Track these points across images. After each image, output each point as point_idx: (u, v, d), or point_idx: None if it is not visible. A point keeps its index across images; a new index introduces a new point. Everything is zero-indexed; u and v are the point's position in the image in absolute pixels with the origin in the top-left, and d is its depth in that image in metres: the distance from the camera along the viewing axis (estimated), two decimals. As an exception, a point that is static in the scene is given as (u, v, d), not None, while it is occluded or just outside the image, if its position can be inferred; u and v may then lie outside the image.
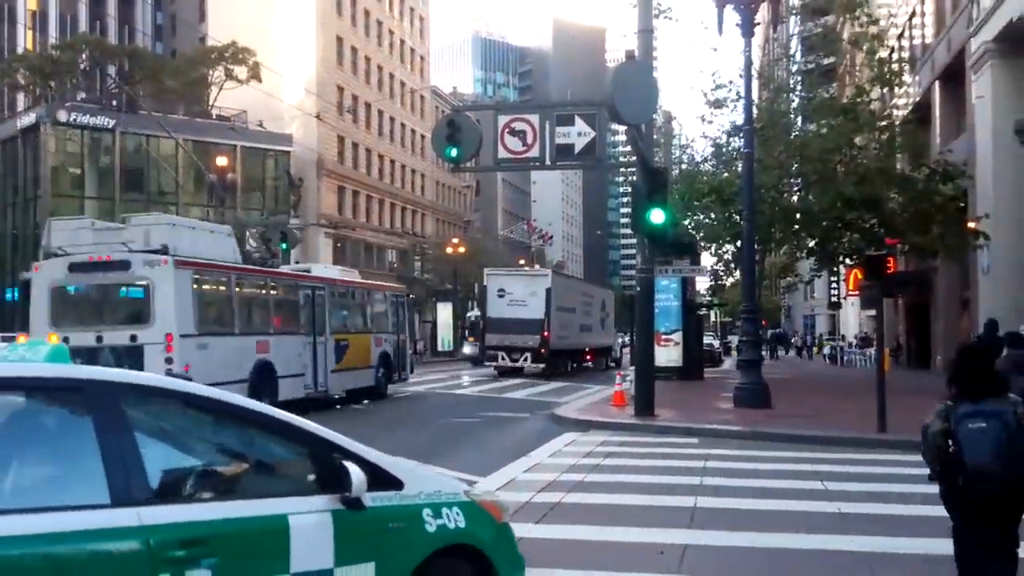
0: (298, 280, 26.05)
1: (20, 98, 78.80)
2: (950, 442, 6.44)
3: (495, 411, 24.28)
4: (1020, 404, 6.40)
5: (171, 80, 70.21)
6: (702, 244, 33.49)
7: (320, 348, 25.26)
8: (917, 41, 41.85)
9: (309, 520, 4.78)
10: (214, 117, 70.95)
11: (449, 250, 79.53)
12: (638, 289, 21.60)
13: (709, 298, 47.46)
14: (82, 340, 18.73)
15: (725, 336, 77.87)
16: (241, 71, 67.82)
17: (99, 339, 19.42)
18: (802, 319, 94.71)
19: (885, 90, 34.90)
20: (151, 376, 5.26)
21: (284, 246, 46.06)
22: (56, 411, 4.53)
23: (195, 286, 20.42)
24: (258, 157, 71.94)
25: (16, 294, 64.82)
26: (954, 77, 35.46)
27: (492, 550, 5.65)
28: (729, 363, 52.68)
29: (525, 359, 38.96)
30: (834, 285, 59.46)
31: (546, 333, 38.40)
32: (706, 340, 47.65)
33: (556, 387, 33.41)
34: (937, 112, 37.87)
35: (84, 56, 71.04)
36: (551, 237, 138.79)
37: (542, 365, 39.13)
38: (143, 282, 19.72)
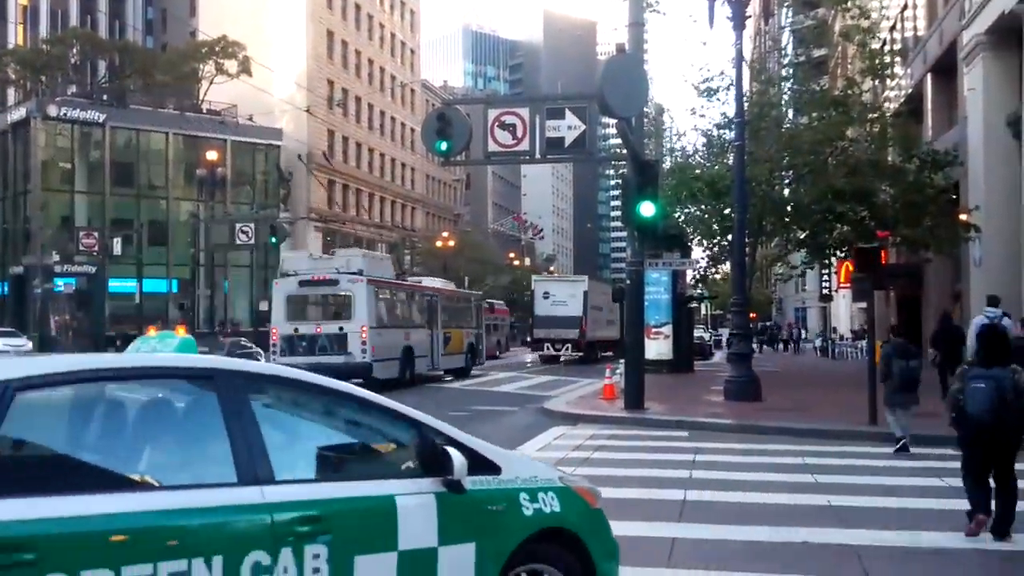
0: (422, 290, 36.48)
1: (11, 93, 78.47)
2: (961, 396, 8.98)
3: (485, 405, 24.25)
4: (1020, 371, 8.77)
5: (161, 74, 70.00)
6: (691, 237, 33.45)
7: (435, 338, 34.80)
8: (909, 33, 41.80)
9: (414, 501, 5.10)
10: (204, 111, 70.78)
11: (439, 244, 79.41)
12: (628, 282, 21.57)
13: (699, 291, 47.52)
14: (307, 330, 29.56)
15: (716, 329, 77.75)
16: (231, 65, 67.67)
17: (318, 329, 29.43)
18: (793, 311, 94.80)
19: (876, 82, 34.84)
20: (270, 365, 6.14)
21: (274, 240, 46.03)
22: (189, 397, 4.98)
23: (375, 295, 30.31)
24: (248, 151, 71.83)
25: (6, 288, 64.66)
26: (946, 69, 35.43)
27: (586, 534, 5.93)
28: (719, 356, 52.72)
29: (566, 348, 46.87)
30: (825, 278, 59.49)
31: (584, 328, 46.22)
32: (696, 333, 47.73)
33: (546, 380, 33.37)
34: (929, 104, 37.85)
35: (75, 51, 70.80)
36: (541, 231, 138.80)
37: (580, 353, 46.48)
38: (347, 293, 29.52)
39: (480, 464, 5.50)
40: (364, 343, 28.48)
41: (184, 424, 4.99)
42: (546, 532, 5.71)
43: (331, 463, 5.26)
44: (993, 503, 8.88)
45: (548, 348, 47.24)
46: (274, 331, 29.92)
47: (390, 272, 34.24)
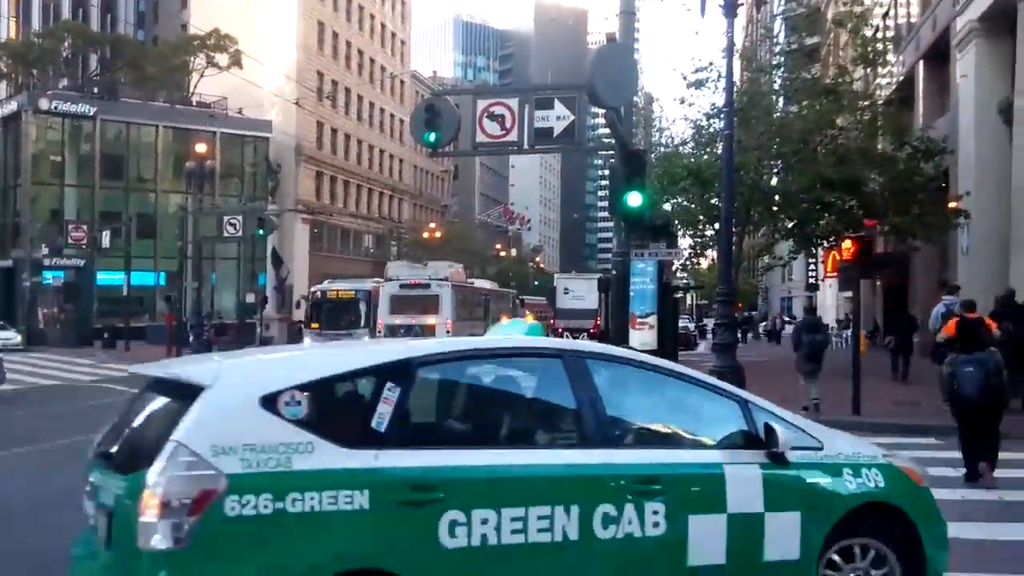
0: (479, 290, 46.99)
1: (2, 86, 78.27)
2: (953, 379, 11.34)
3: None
4: (997, 352, 11.40)
5: (152, 67, 69.97)
6: (678, 227, 33.43)
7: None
8: (902, 20, 41.86)
9: (741, 470, 5.82)
10: (194, 104, 70.68)
11: (426, 235, 79.41)
12: (614, 272, 21.58)
13: (685, 280, 47.61)
14: (404, 321, 36.65)
15: (701, 319, 77.62)
16: (222, 58, 67.60)
17: (413, 321, 36.48)
18: (779, 301, 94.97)
19: (868, 70, 34.85)
20: (610, 347, 7.08)
21: (261, 232, 45.96)
22: (543, 372, 6.01)
23: (455, 296, 38.89)
24: (237, 144, 71.73)
25: (-3, 280, 64.44)
26: (938, 56, 35.47)
27: (912, 509, 6.35)
28: (704, 346, 52.80)
29: (582, 338, 47.43)
30: (812, 267, 59.59)
31: (598, 320, 47.94)
32: (681, 323, 47.86)
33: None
34: (920, 91, 37.91)
35: (66, 44, 70.73)
36: (528, 221, 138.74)
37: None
38: (436, 294, 37.83)
39: (802, 440, 6.15)
40: (448, 332, 35.41)
41: (541, 394, 6.08)
42: (872, 506, 6.26)
43: (663, 432, 6.13)
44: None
45: (566, 336, 48.57)
46: (380, 322, 37.90)
47: (463, 279, 43.59)
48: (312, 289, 44.24)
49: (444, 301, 37.49)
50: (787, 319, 74.49)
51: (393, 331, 36.41)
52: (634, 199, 18.70)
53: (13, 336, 48.56)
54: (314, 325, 39.73)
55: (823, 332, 20.91)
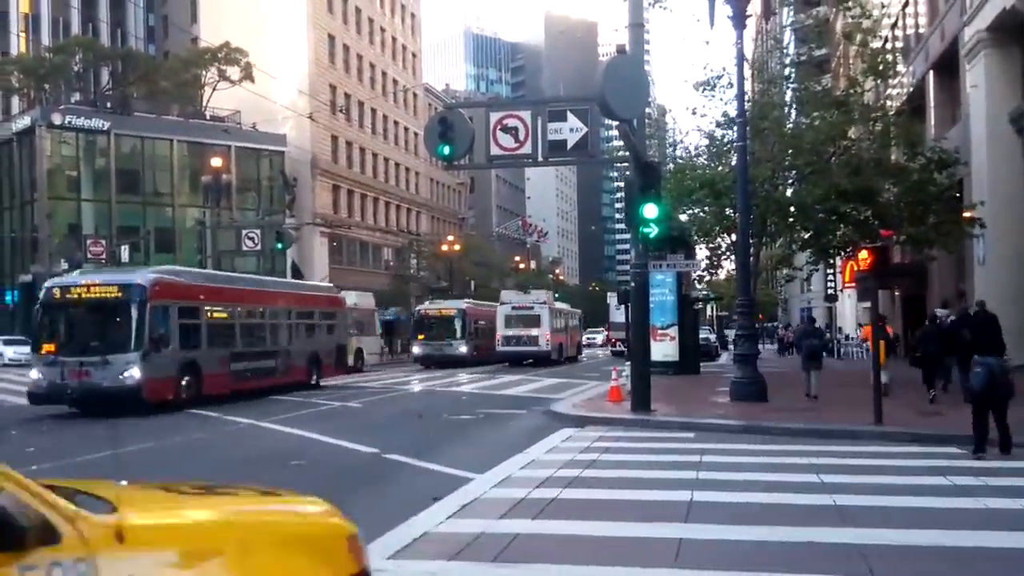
0: (562, 310, 58.79)
1: (14, 101, 78.72)
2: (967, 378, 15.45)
3: (492, 408, 24.29)
4: (1002, 360, 14.05)
5: (164, 81, 70.22)
6: (695, 238, 33.44)
7: (568, 338, 56.73)
8: (911, 31, 41.84)
9: None
10: (208, 118, 70.93)
11: (444, 247, 79.44)
12: (632, 284, 21.59)
13: (704, 292, 47.57)
14: (515, 333, 49.33)
15: (722, 330, 77.41)
16: (234, 72, 67.86)
17: (522, 333, 49.05)
18: (799, 312, 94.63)
19: (878, 81, 34.86)
20: None
21: (280, 246, 46.13)
22: None
23: (551, 314, 50.63)
24: (252, 157, 71.99)
25: (16, 297, 64.80)
26: (948, 66, 35.47)
27: None
28: (726, 357, 52.67)
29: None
30: (830, 277, 59.43)
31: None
32: (702, 334, 47.69)
33: (553, 383, 33.42)
34: (931, 102, 37.88)
35: (77, 59, 71.05)
36: (546, 233, 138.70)
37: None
38: (538, 314, 49.61)
39: None
40: (548, 341, 49.64)
41: None
42: None
43: None
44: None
45: (619, 345, 55.15)
46: (499, 335, 50.01)
47: (552, 302, 53.85)
48: (417, 308, 55.38)
49: (543, 318, 49.92)
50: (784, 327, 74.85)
51: (507, 340, 49.83)
52: (649, 211, 18.75)
53: (33, 351, 48.80)
54: (420, 336, 50.05)
55: (819, 336, 27.31)
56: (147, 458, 15.62)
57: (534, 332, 49.47)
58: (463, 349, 48.70)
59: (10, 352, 49.28)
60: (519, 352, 49.23)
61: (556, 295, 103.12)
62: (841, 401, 22.54)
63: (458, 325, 49.45)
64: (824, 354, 28.09)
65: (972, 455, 13.75)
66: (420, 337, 49.83)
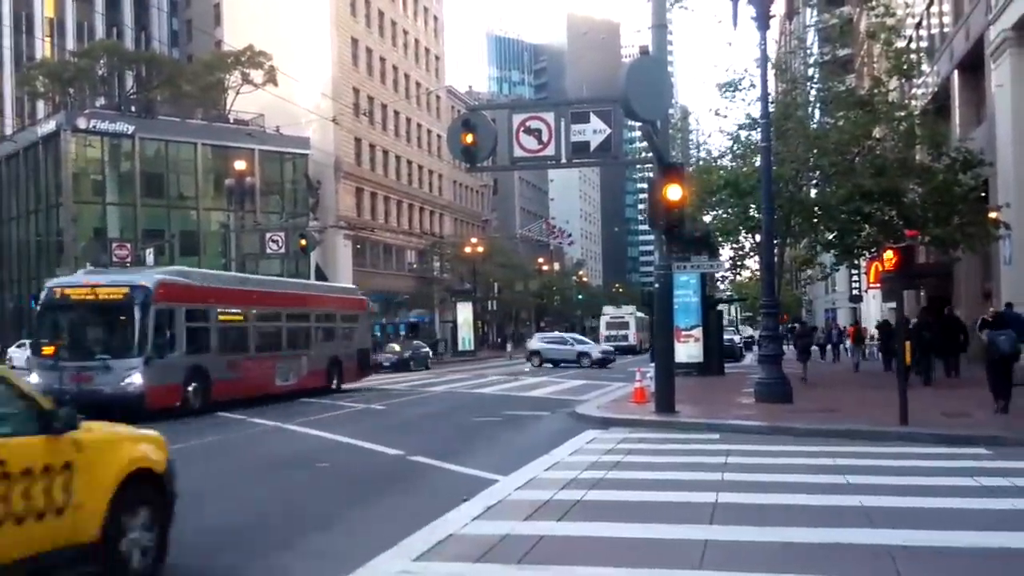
0: (638, 316, 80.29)
1: (40, 106, 79.30)
2: (994, 345, 18.27)
3: (516, 410, 24.31)
4: (1012, 333, 18.50)
5: (188, 85, 70.59)
6: (719, 238, 33.35)
7: (643, 337, 71.10)
8: (935, 30, 41.58)
9: None
10: (231, 121, 71.25)
11: (468, 249, 79.55)
12: (656, 286, 21.55)
13: (729, 292, 47.45)
14: (613, 333, 78.53)
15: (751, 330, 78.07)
16: (257, 75, 68.16)
17: (618, 333, 78.97)
18: (823, 312, 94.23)
19: (903, 81, 34.61)
20: None
21: (305, 249, 46.32)
22: None
23: (637, 321, 79.57)
24: (276, 161, 72.31)
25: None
26: (973, 66, 35.21)
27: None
28: (750, 358, 52.47)
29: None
30: (855, 278, 59.12)
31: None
32: (726, 336, 47.54)
33: (577, 385, 33.41)
34: (956, 102, 37.60)
35: (102, 63, 71.49)
36: (570, 236, 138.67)
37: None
38: (627, 320, 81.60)
39: None
40: (634, 336, 75.24)
41: None
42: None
43: None
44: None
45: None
46: (602, 334, 75.43)
47: (636, 313, 79.42)
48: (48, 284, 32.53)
49: (631, 324, 78.67)
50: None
51: (608, 338, 73.25)
52: (674, 193, 18.66)
53: (61, 354, 48.88)
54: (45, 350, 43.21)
55: (809, 336, 38.85)
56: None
57: (624, 332, 78.27)
58: (133, 379, 23.00)
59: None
60: (617, 345, 65.41)
61: (581, 298, 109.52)
62: (867, 402, 22.45)
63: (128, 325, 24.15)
64: (815, 348, 43.06)
65: (994, 414, 18.31)
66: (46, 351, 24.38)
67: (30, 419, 6.85)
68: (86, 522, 6.98)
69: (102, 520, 7.11)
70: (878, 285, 37.31)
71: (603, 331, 78.67)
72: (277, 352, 29.53)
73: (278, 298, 31.13)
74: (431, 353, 57.36)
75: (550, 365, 50.23)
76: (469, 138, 19.44)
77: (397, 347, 52.46)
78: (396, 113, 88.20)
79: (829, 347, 54.72)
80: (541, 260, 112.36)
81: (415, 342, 56.44)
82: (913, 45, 41.51)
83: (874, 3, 32.46)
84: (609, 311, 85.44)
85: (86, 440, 7.18)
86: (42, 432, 6.80)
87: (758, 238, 30.03)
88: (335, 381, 32.81)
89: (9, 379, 7.08)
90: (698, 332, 35.33)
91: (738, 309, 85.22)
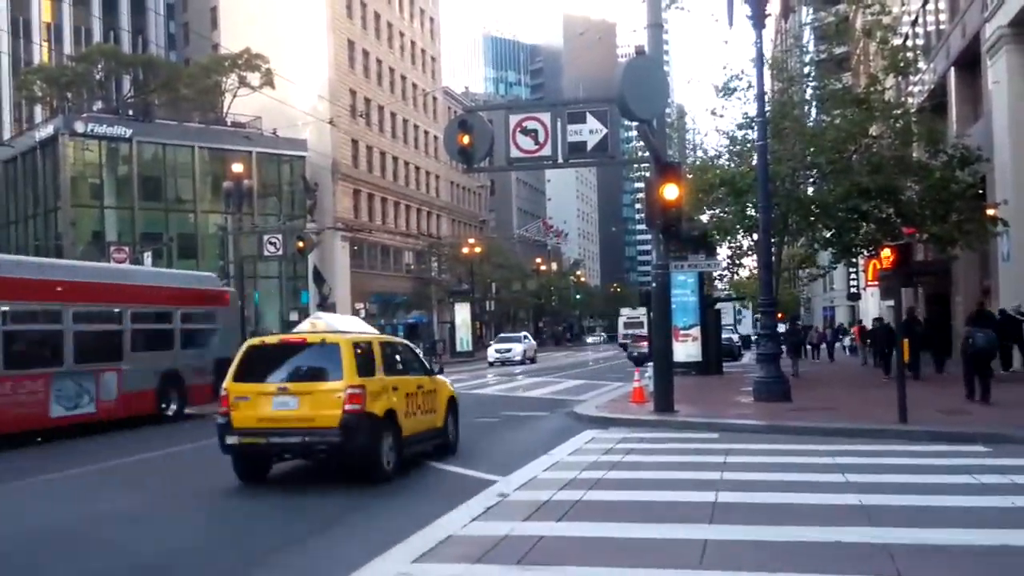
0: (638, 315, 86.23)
1: (38, 110, 79.25)
2: (971, 340, 19.94)
3: (515, 410, 24.33)
4: (990, 331, 20.63)
5: (185, 88, 70.56)
6: (716, 237, 33.33)
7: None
8: (931, 27, 41.57)
9: None
10: (228, 124, 71.24)
11: (465, 250, 79.56)
12: (654, 285, 21.55)
13: (727, 292, 47.41)
14: (632, 332, 73.92)
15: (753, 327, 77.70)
16: (254, 78, 68.13)
17: (635, 332, 69.65)
18: (822, 311, 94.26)
19: (899, 78, 34.54)
20: None
21: (302, 251, 46.32)
22: None
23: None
24: (273, 163, 72.31)
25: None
26: (970, 63, 35.18)
27: None
28: (749, 357, 52.47)
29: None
30: (853, 275, 59.14)
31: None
32: (724, 335, 47.52)
33: (575, 385, 33.43)
34: (953, 99, 37.57)
35: (99, 67, 71.43)
36: (566, 235, 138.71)
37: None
38: (643, 321, 68.27)
39: None
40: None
41: None
42: None
43: None
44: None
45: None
46: (620, 333, 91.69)
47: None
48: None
49: (646, 323, 56.47)
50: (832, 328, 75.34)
51: (626, 336, 76.75)
52: (671, 192, 18.67)
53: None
54: None
55: (798, 334, 40.84)
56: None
57: (639, 331, 66.90)
58: None
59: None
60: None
61: (579, 297, 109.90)
62: (865, 400, 22.47)
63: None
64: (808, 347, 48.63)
65: (964, 400, 20.29)
66: None
67: (423, 368, 15.81)
68: (439, 417, 15.63)
69: (444, 417, 15.79)
70: (876, 283, 37.27)
71: (621, 330, 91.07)
72: (56, 366, 21.02)
73: (63, 289, 21.77)
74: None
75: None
76: (466, 139, 19.46)
77: None
78: (393, 115, 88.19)
79: (823, 346, 55.04)
80: (539, 260, 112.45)
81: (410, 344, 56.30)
82: (909, 42, 41.50)
83: (870, 0, 32.45)
84: (626, 312, 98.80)
85: (439, 380, 16.04)
86: (426, 374, 15.63)
87: (755, 237, 30.03)
88: (170, 405, 24.68)
89: (412, 348, 16.70)
90: (696, 331, 35.35)
91: (735, 308, 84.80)
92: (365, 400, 12.62)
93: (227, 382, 13.18)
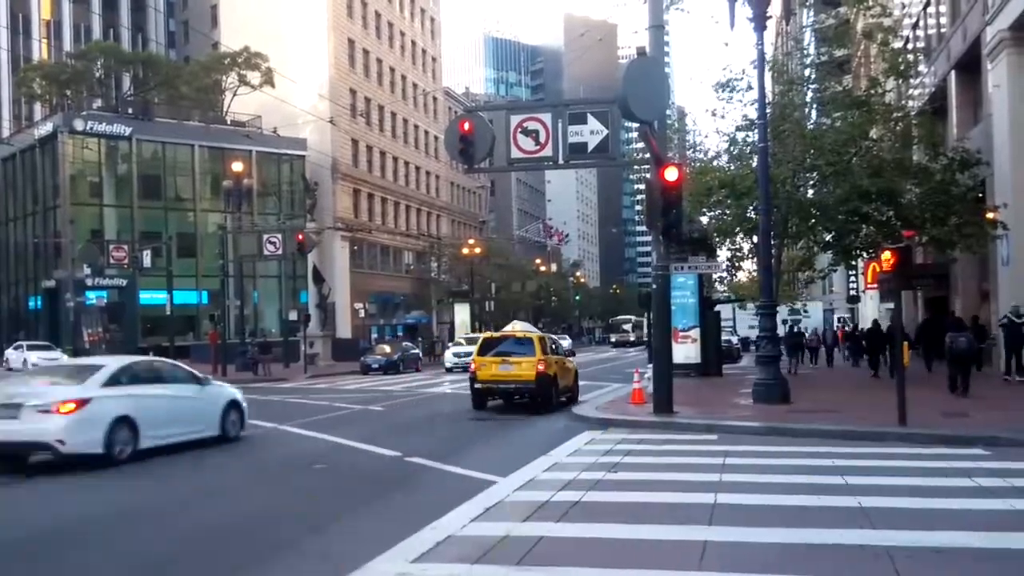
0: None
1: (37, 108, 79.26)
2: (952, 344, 22.79)
3: (515, 411, 24.29)
4: (970, 336, 23.80)
5: (185, 87, 70.58)
6: (716, 239, 33.31)
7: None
8: (932, 31, 41.56)
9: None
10: (228, 123, 71.23)
11: (465, 251, 79.52)
12: (654, 287, 21.53)
13: (727, 294, 47.39)
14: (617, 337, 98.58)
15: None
16: (254, 76, 68.14)
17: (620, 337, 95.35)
18: (821, 313, 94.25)
19: (899, 81, 34.56)
20: None
21: (302, 250, 46.33)
22: None
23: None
24: (273, 162, 72.34)
25: (39, 302, 65.28)
26: (970, 66, 35.17)
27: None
28: (748, 359, 52.41)
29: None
30: (852, 278, 59.07)
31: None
32: (724, 336, 47.44)
33: (575, 386, 33.37)
34: (953, 102, 37.56)
35: (99, 64, 71.48)
36: (567, 236, 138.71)
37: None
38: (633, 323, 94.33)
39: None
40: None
41: None
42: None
43: None
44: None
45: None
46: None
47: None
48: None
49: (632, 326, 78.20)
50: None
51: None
52: (671, 174, 18.66)
53: (59, 356, 48.70)
54: None
55: (796, 337, 42.14)
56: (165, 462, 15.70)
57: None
58: None
59: (33, 357, 49.53)
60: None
61: (579, 298, 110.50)
62: (865, 403, 22.47)
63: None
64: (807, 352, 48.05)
65: (949, 392, 22.61)
66: None
67: (564, 353, 29.01)
68: (571, 381, 26.26)
69: (574, 381, 26.66)
70: (876, 286, 37.25)
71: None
72: None
73: None
74: (421, 354, 56.76)
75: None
76: (466, 139, 19.46)
77: (388, 348, 51.91)
78: (393, 114, 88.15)
79: (822, 349, 54.90)
80: (538, 261, 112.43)
81: (404, 343, 55.65)
82: (910, 45, 41.49)
83: (871, 3, 32.45)
84: (620, 319, 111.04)
85: (571, 360, 28.39)
86: (566, 357, 28.42)
87: (755, 239, 30.01)
88: None
89: (557, 340, 30.95)
90: (696, 333, 35.35)
91: (734, 310, 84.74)
92: (547, 367, 23.66)
93: (474, 356, 24.99)
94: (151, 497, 12.70)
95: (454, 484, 12.67)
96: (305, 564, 8.70)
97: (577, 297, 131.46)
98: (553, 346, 25.94)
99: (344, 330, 70.89)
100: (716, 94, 32.26)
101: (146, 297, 60.40)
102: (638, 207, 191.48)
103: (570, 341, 67.62)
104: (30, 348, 52.51)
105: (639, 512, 10.24)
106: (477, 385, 24.08)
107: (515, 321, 45.51)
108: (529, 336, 25.69)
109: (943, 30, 39.30)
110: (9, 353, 53.49)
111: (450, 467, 14.24)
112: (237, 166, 52.37)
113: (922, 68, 37.56)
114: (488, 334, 28.24)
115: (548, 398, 23.53)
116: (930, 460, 13.74)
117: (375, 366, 47.16)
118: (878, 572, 7.67)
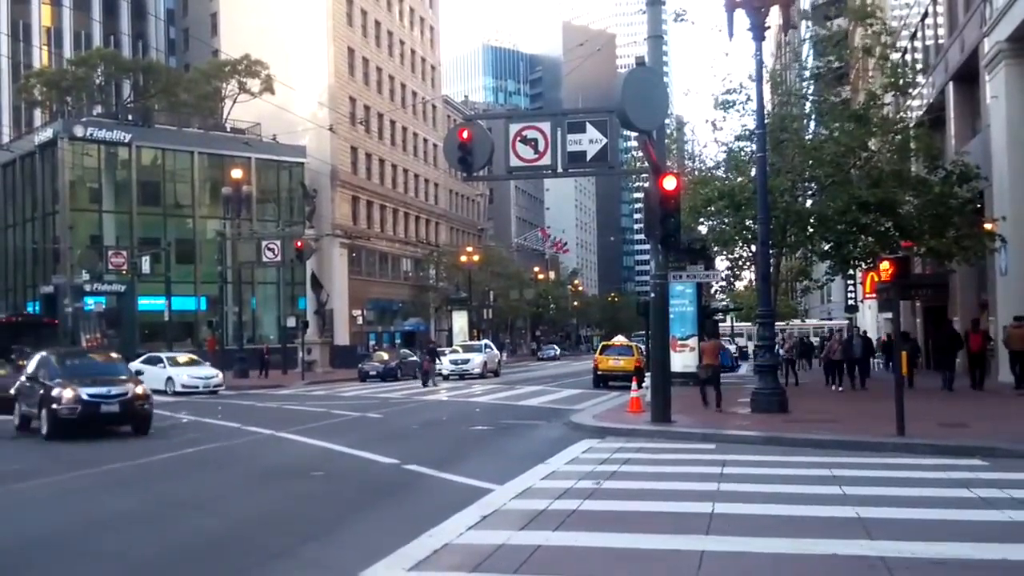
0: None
1: (37, 114, 79.25)
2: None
3: (512, 419, 24.29)
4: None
5: (185, 94, 70.56)
6: (714, 249, 33.35)
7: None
8: (930, 42, 41.65)
9: None
10: (228, 130, 71.24)
11: (463, 258, 79.56)
12: (652, 295, 21.55)
13: (725, 302, 47.40)
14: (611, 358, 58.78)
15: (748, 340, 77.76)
16: (254, 84, 68.14)
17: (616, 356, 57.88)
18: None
19: (898, 94, 34.59)
20: None
21: (301, 257, 46.36)
22: None
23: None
24: (272, 169, 72.28)
25: (38, 308, 65.18)
26: (968, 78, 35.25)
27: None
28: (745, 368, 52.43)
29: None
30: (851, 288, 59.15)
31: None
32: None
33: (572, 394, 33.39)
34: (951, 113, 37.63)
35: (99, 71, 71.42)
36: (566, 244, 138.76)
37: None
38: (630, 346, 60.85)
39: None
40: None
41: None
42: None
43: None
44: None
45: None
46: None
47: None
48: None
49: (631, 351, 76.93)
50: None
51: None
52: (670, 202, 18.68)
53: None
54: None
55: (799, 347, 44.03)
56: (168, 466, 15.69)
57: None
58: None
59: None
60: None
61: (575, 304, 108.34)
62: (863, 412, 22.46)
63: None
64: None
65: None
66: None
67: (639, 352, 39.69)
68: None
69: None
70: (874, 295, 37.28)
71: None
72: None
73: None
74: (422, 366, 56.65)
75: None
76: (465, 147, 19.49)
77: (385, 355, 51.98)
78: (392, 122, 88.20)
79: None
80: (536, 269, 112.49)
81: (402, 351, 55.72)
82: (908, 57, 41.58)
83: (872, 21, 32.52)
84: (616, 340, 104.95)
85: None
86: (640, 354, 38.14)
87: (754, 248, 30.04)
88: None
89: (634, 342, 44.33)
90: (694, 342, 35.35)
91: (732, 319, 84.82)
92: (642, 363, 32.04)
93: (597, 355, 40.74)
94: (144, 503, 12.69)
95: (452, 492, 12.65)
96: (302, 572, 8.70)
97: (575, 304, 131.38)
98: (640, 346, 39.43)
99: (342, 337, 70.90)
100: (715, 105, 32.38)
101: (145, 303, 60.34)
102: (637, 215, 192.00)
103: (495, 352, 58.03)
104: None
105: (637, 521, 10.23)
106: (599, 372, 38.34)
107: (619, 335, 59.01)
108: (629, 344, 42.71)
109: (941, 41, 39.38)
110: None
111: (447, 475, 14.23)
112: (236, 173, 52.45)
113: (920, 79, 37.60)
114: (606, 342, 47.72)
115: (641, 379, 26.31)
116: (928, 471, 13.73)
117: (373, 373, 47.20)
118: (876, 582, 7.67)
